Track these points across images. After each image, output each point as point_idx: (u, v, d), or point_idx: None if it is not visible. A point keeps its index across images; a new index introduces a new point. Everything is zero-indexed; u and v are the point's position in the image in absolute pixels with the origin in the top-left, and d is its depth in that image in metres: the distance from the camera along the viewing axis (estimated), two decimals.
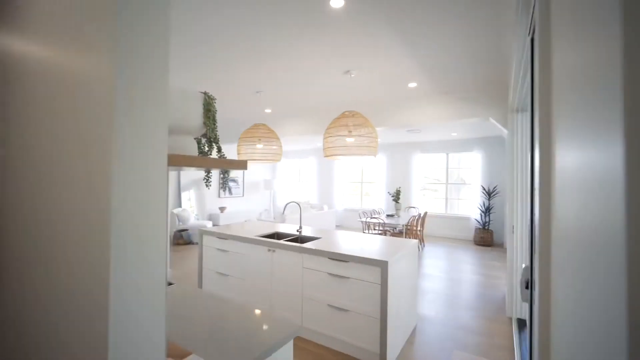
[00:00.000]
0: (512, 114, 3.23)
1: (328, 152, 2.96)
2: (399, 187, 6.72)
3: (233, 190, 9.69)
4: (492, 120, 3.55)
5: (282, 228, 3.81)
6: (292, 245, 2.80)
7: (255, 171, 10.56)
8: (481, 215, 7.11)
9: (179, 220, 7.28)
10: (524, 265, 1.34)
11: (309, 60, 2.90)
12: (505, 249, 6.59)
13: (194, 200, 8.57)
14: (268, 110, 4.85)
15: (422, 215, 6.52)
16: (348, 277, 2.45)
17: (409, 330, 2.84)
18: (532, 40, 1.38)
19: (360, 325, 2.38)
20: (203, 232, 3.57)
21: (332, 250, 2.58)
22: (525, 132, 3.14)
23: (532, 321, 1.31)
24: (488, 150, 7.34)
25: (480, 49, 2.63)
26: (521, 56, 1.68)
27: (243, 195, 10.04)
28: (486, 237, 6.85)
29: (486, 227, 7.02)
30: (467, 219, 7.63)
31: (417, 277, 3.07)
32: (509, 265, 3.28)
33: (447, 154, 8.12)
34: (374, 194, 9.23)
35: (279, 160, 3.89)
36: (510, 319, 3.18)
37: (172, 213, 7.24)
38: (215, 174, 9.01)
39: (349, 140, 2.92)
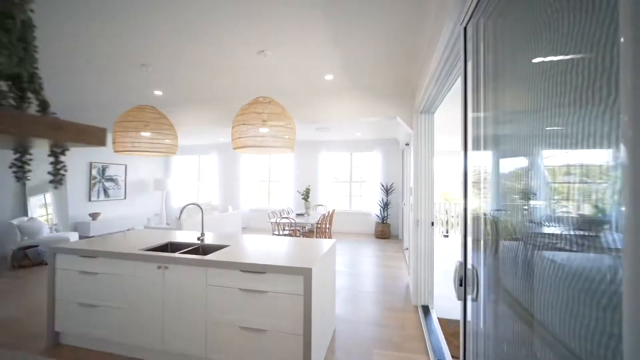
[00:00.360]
0: (417, 115, 3.44)
1: (238, 144, 2.50)
2: (309, 186, 6.65)
3: (111, 192, 7.89)
4: (399, 119, 3.73)
5: (179, 236, 3.11)
6: (192, 259, 2.23)
7: (141, 168, 8.88)
8: (380, 210, 7.72)
9: (22, 234, 5.37)
10: (458, 262, 1.27)
11: (214, 29, 2.37)
12: (401, 240, 7.41)
13: (53, 206, 6.54)
14: (158, 93, 3.96)
15: (330, 213, 6.61)
16: (265, 291, 2.08)
17: (329, 337, 2.65)
18: (465, 29, 1.32)
19: (280, 346, 2.04)
20: (55, 250, 2.56)
21: (244, 261, 2.15)
22: (429, 132, 3.39)
23: (465, 317, 1.24)
24: (386, 151, 8.04)
25: (397, 47, 2.64)
26: (450, 48, 1.65)
27: (125, 198, 8.29)
28: (385, 231, 7.47)
29: (385, 221, 7.66)
30: (369, 214, 8.19)
31: (335, 279, 2.93)
32: (414, 255, 3.48)
33: (351, 154, 8.54)
34: (282, 193, 8.98)
35: (174, 153, 3.16)
36: (416, 307, 3.39)
37: (11, 224, 5.29)
38: (78, 169, 7.14)
39: (263, 130, 2.54)
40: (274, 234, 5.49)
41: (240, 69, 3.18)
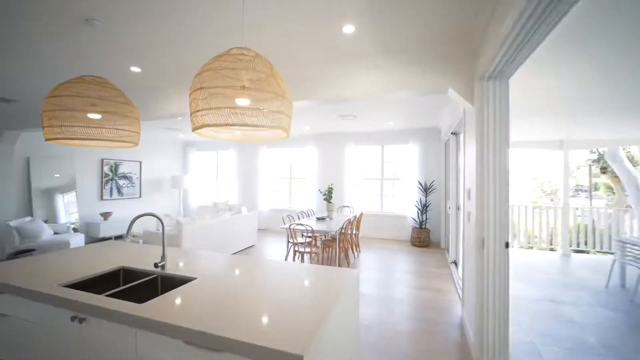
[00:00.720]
0: (481, 84, 2.31)
1: (198, 121, 1.56)
2: (332, 185, 5.68)
3: (125, 190, 7.48)
4: (451, 93, 2.62)
5: (151, 253, 2.30)
6: (116, 311, 1.36)
7: (158, 165, 8.44)
8: (418, 213, 6.54)
9: (20, 237, 4.98)
10: None
11: None
12: (444, 249, 6.20)
13: (65, 205, 6.18)
14: (136, 69, 3.18)
15: (357, 217, 5.58)
16: None
17: None
18: None
19: None
20: None
21: (194, 324, 1.23)
22: (500, 107, 2.25)
23: None
24: (424, 143, 6.80)
25: None
26: None
27: (140, 196, 7.87)
28: (423, 237, 6.28)
29: (423, 226, 6.47)
30: (403, 217, 7.03)
31: (357, 333, 1.94)
32: (478, 293, 2.38)
33: (383, 147, 7.40)
34: (305, 191, 8.07)
35: (135, 143, 2.34)
36: None
37: (9, 226, 4.90)
38: (88, 166, 6.74)
39: (242, 102, 1.60)
40: (289, 242, 4.59)
41: (220, 31, 2.27)
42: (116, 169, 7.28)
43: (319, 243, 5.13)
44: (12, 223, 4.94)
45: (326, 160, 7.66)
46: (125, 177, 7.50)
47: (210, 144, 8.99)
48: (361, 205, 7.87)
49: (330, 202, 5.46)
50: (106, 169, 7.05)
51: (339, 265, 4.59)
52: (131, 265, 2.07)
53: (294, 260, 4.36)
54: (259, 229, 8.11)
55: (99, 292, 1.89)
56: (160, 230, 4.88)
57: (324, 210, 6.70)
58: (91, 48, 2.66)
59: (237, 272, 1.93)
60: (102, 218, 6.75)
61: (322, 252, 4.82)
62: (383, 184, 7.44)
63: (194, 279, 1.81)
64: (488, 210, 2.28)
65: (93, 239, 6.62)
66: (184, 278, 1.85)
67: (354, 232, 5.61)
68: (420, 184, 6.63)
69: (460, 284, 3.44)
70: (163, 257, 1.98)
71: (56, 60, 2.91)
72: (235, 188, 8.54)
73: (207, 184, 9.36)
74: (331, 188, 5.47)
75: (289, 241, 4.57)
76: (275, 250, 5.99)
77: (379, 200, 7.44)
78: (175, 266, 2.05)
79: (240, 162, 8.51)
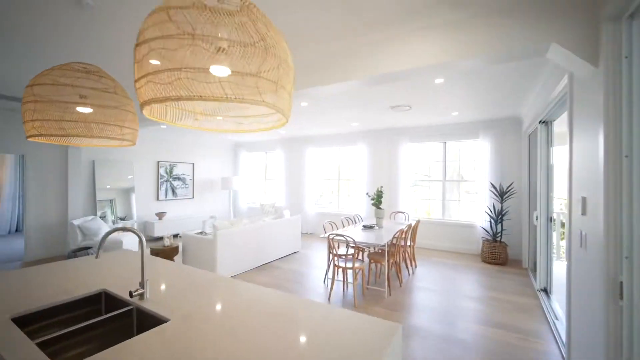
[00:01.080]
0: (614, 26, 1.40)
1: (146, 93, 1.06)
2: (381, 187, 4.90)
3: (179, 191, 7.74)
4: (554, 51, 1.72)
5: (155, 268, 1.93)
6: None
7: (209, 167, 8.61)
8: (490, 222, 5.35)
9: (82, 235, 5.30)
10: None
11: None
12: (527, 270, 4.89)
13: (125, 205, 6.56)
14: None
15: (412, 226, 4.71)
16: None
17: None
18: None
19: None
20: None
21: None
22: None
23: None
24: (499, 137, 5.56)
25: None
26: None
27: (193, 197, 8.09)
28: (499, 253, 5.09)
29: (498, 239, 5.26)
30: (471, 226, 5.87)
31: None
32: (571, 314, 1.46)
33: (445, 143, 6.32)
34: (356, 194, 7.38)
35: (132, 142, 2.00)
36: None
37: (72, 224, 5.26)
38: (146, 168, 7.05)
39: (219, 72, 1.05)
40: (330, 254, 3.98)
41: None
42: (171, 171, 7.57)
43: (366, 256, 4.43)
44: (75, 222, 5.29)
45: (377, 159, 6.87)
46: (179, 178, 7.77)
47: (258, 145, 8.90)
48: (419, 210, 6.88)
49: (380, 208, 4.70)
50: (162, 170, 7.35)
51: (389, 286, 3.82)
52: (114, 290, 1.69)
53: (334, 275, 3.74)
54: (305, 234, 7.69)
55: (68, 323, 1.53)
56: (204, 233, 4.73)
57: (373, 216, 5.94)
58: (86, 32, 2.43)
59: (228, 310, 1.39)
60: (157, 218, 7.04)
61: (369, 268, 4.11)
62: (445, 186, 6.35)
63: (166, 321, 1.33)
64: (631, 236, 1.36)
65: (149, 238, 6.93)
66: (157, 319, 1.38)
67: (409, 243, 4.76)
68: (494, 187, 5.42)
69: (563, 337, 2.42)
70: (142, 283, 1.55)
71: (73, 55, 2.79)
72: (282, 190, 8.26)
73: (256, 186, 9.31)
74: (381, 191, 4.71)
75: (330, 252, 3.97)
76: (321, 259, 5.45)
77: (441, 206, 6.37)
78: (157, 294, 1.61)
79: (287, 162, 8.21)
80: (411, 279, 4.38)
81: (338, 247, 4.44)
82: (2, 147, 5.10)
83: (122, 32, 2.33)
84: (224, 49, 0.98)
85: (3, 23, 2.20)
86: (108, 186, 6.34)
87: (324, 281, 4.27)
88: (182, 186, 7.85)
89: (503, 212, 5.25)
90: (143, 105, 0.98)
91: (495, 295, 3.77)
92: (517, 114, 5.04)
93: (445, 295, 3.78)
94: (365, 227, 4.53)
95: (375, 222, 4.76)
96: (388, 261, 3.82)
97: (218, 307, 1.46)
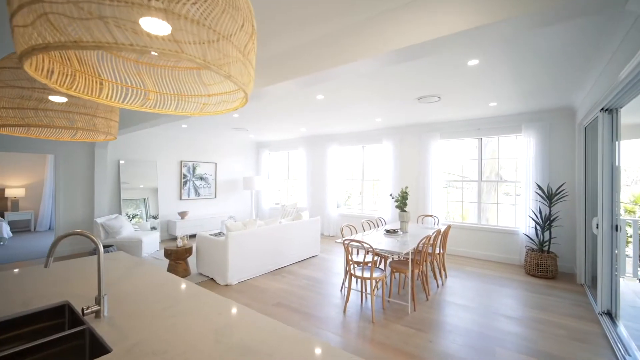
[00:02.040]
0: None
1: (30, 37, 0.65)
2: (406, 188, 4.42)
3: (201, 191, 7.75)
4: None
5: (137, 274, 1.71)
6: None
7: (232, 166, 8.57)
8: (536, 229, 4.65)
9: (106, 233, 5.39)
10: None
11: None
12: (583, 287, 3.97)
13: (149, 204, 6.66)
14: None
15: (443, 231, 4.19)
16: None
17: None
18: None
19: None
20: None
21: None
22: None
23: None
24: (546, 130, 4.83)
25: None
26: None
27: (215, 197, 8.08)
28: (546, 264, 4.39)
29: (545, 248, 4.55)
30: (512, 233, 5.17)
31: None
32: None
33: (481, 139, 5.67)
34: (381, 195, 6.91)
35: (113, 136, 1.79)
36: None
37: (96, 223, 5.36)
38: (169, 168, 7.11)
39: (151, 25, 0.76)
40: (349, 262, 3.59)
41: None
42: (194, 170, 7.60)
43: (390, 261, 4.01)
44: (99, 220, 5.40)
45: (404, 158, 6.35)
46: (201, 178, 7.78)
47: (280, 144, 8.72)
48: (452, 214, 6.26)
49: (405, 211, 4.23)
50: (184, 170, 7.40)
51: (414, 299, 3.36)
52: (78, 303, 1.47)
53: (350, 285, 3.36)
54: (327, 236, 7.35)
55: (28, 338, 1.30)
56: (221, 234, 4.50)
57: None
58: None
59: (190, 340, 1.09)
60: (180, 217, 7.08)
61: (391, 278, 3.67)
62: (482, 187, 5.69)
63: (108, 351, 1.06)
64: None
65: (171, 237, 6.98)
66: (102, 346, 1.11)
67: (439, 250, 4.24)
68: (541, 189, 4.70)
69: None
70: (99, 299, 1.31)
71: None
72: (304, 190, 7.99)
73: (279, 186, 9.13)
74: (406, 192, 4.24)
75: (349, 259, 3.57)
76: (341, 264, 5.08)
77: (476, 209, 5.71)
78: (118, 312, 1.35)
79: (309, 162, 7.93)
80: (440, 291, 3.87)
81: (358, 254, 4.05)
82: (36, 147, 5.32)
83: None
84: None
85: None
86: (141, 185, 6.48)
87: (341, 290, 3.90)
88: (205, 186, 7.86)
89: (551, 218, 4.53)
90: (25, 53, 0.68)
91: (543, 317, 3.17)
92: (569, 102, 4.31)
93: (480, 314, 3.24)
94: (387, 232, 4.09)
95: (399, 228, 4.30)
96: (412, 271, 3.36)
97: (178, 335, 1.16)
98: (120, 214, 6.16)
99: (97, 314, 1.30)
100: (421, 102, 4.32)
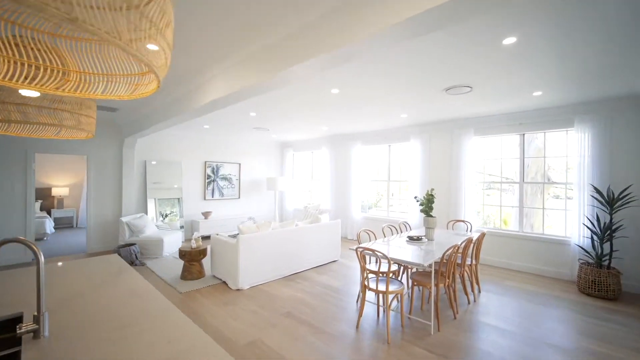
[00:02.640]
0: None
1: None
2: (432, 190, 3.94)
3: (225, 191, 7.80)
4: None
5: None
6: None
7: (256, 167, 8.54)
8: (593, 239, 3.94)
9: (131, 232, 5.54)
10: None
11: None
12: None
13: (173, 204, 6.80)
14: None
15: (475, 240, 3.68)
16: None
17: None
18: None
19: None
20: None
21: None
22: None
23: None
24: (606, 124, 4.09)
25: None
26: None
27: (239, 197, 8.09)
28: (605, 282, 3.68)
29: (605, 263, 3.84)
30: (562, 243, 4.46)
31: None
32: None
33: (523, 135, 4.99)
34: (410, 197, 6.42)
35: (90, 133, 1.66)
36: None
37: (121, 221, 5.53)
38: (193, 168, 7.21)
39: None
40: (366, 274, 3.23)
41: None
42: (217, 171, 7.66)
43: (411, 273, 3.60)
44: (124, 219, 5.56)
45: (434, 158, 5.82)
46: (225, 178, 7.83)
47: (304, 144, 8.52)
48: (492, 218, 5.62)
49: (431, 216, 3.78)
50: (209, 170, 7.48)
51: (438, 318, 2.93)
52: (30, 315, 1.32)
53: (364, 297, 3.01)
54: (350, 240, 7.00)
55: None
56: (235, 236, 4.36)
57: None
58: None
59: None
60: (204, 217, 7.15)
61: (412, 291, 3.25)
62: (525, 190, 5.00)
63: None
64: None
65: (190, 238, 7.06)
66: None
67: (472, 261, 3.74)
68: (599, 193, 3.97)
69: None
70: (38, 317, 1.13)
71: None
72: (327, 191, 7.71)
73: (302, 187, 8.94)
74: (431, 195, 3.79)
75: (363, 270, 3.21)
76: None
77: (517, 214, 5.04)
78: (61, 329, 1.17)
79: (332, 162, 7.63)
80: (471, 309, 3.38)
81: (377, 262, 3.68)
82: (70, 149, 5.61)
83: None
84: None
85: None
86: (176, 185, 6.65)
87: (357, 302, 3.56)
88: (229, 186, 7.89)
89: (613, 227, 3.81)
90: None
91: (602, 350, 2.58)
92: (636, 88, 3.58)
93: (520, 340, 2.73)
94: (410, 238, 3.67)
95: (424, 234, 3.86)
96: (436, 285, 2.93)
97: None
98: (146, 213, 6.33)
99: (36, 333, 1.13)
100: (450, 94, 3.84)
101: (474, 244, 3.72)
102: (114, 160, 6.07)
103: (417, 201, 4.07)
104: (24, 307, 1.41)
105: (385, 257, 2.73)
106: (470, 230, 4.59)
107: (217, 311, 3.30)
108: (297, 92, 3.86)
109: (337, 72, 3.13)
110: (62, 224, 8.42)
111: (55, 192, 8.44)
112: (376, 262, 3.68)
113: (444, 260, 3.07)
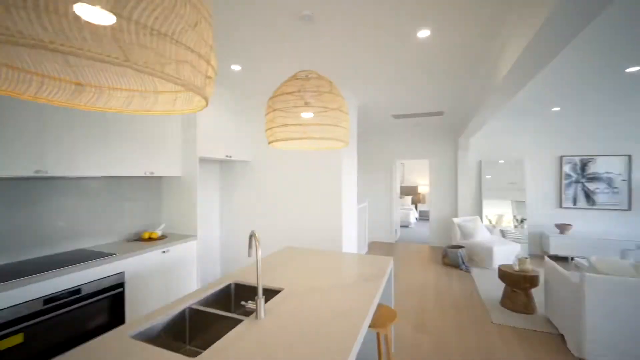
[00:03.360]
0: None
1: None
2: None
3: (597, 198, 5.43)
4: None
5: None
6: None
7: None
8: None
9: (462, 234, 5.46)
10: None
11: None
12: None
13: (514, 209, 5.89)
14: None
15: None
16: None
17: None
18: None
19: None
20: None
21: None
22: None
23: None
24: None
25: None
26: None
27: (629, 208, 5.25)
28: None
29: None
30: None
31: None
32: None
33: None
34: None
35: (345, 143, 1.66)
36: None
37: (453, 222, 5.58)
38: (540, 166, 5.70)
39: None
40: None
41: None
42: (583, 168, 5.39)
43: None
44: (456, 220, 5.54)
45: None
46: (598, 178, 5.32)
47: None
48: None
49: None
50: (567, 168, 5.47)
51: None
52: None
53: None
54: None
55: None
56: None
57: None
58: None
59: None
60: (558, 230, 5.37)
61: None
62: None
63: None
64: None
65: (543, 253, 5.49)
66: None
67: None
68: None
69: None
70: (257, 300, 1.32)
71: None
72: None
73: None
74: None
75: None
76: None
77: None
78: (277, 317, 1.27)
79: None
80: None
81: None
82: (414, 154, 6.59)
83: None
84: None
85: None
86: (516, 188, 5.85)
87: None
88: (606, 191, 5.28)
89: None
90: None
91: None
92: None
93: None
94: None
95: None
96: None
97: None
98: (480, 216, 5.90)
99: (257, 313, 1.30)
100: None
101: None
102: (449, 162, 6.29)
103: None
104: (289, 284, 1.72)
105: None
106: None
107: None
108: None
109: None
110: (424, 217, 10.19)
111: (421, 189, 10.40)
112: None
113: None
